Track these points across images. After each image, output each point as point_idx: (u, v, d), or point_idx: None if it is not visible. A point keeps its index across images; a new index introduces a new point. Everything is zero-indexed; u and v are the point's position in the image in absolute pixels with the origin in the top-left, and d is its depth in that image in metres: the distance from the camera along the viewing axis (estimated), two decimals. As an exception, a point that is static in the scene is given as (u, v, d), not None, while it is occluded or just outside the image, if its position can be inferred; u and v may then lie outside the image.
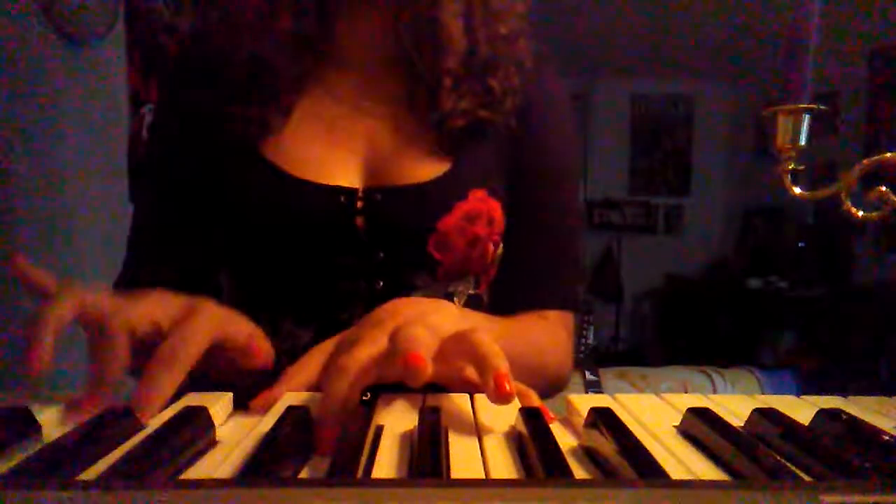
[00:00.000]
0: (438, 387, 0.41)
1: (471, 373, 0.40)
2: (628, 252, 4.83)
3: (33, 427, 0.33)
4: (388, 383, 0.37)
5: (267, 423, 0.34)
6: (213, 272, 0.66)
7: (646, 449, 0.28)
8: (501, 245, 0.67)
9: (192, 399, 0.37)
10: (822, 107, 0.53)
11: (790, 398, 0.41)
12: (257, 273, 0.63)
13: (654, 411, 0.38)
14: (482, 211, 0.62)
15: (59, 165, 1.51)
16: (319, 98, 0.64)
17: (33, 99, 1.44)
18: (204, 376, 0.41)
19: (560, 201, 0.68)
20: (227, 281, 0.65)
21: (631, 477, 0.25)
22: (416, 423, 0.32)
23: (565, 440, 0.34)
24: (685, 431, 0.34)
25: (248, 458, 0.28)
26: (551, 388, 0.64)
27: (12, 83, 1.38)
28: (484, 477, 0.28)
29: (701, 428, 0.32)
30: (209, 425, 0.33)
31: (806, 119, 0.53)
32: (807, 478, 0.27)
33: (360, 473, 0.26)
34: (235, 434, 0.34)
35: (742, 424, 0.35)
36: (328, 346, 0.45)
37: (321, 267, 0.61)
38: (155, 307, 0.41)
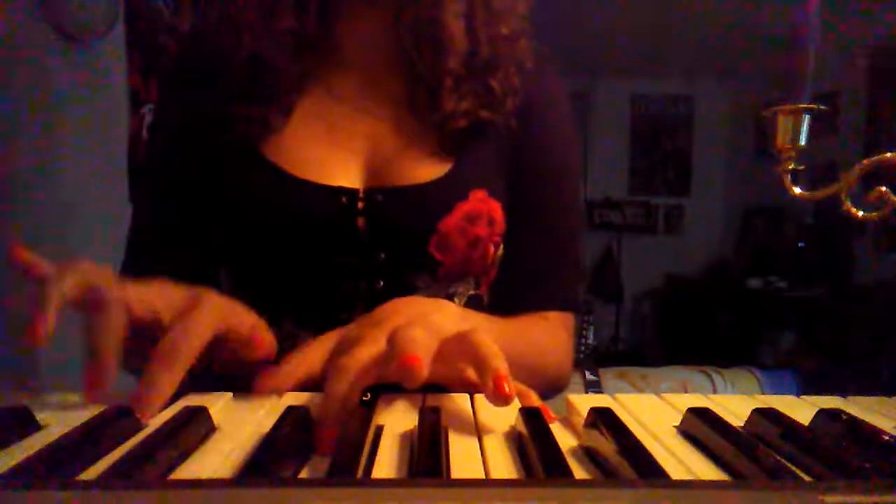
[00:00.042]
0: (438, 387, 0.41)
1: (471, 373, 0.40)
2: (628, 252, 4.83)
3: (33, 427, 0.33)
4: (389, 383, 0.37)
5: (267, 423, 0.34)
6: (213, 272, 0.66)
7: (646, 449, 0.28)
8: (502, 246, 0.67)
9: (192, 399, 0.37)
10: (822, 107, 0.53)
11: (790, 398, 0.41)
12: (257, 273, 0.63)
13: (654, 411, 0.38)
14: (483, 211, 0.62)
15: (59, 165, 1.51)
16: (320, 98, 0.64)
17: (33, 99, 1.44)
18: (207, 369, 0.41)
19: (560, 202, 0.68)
20: (226, 281, 0.65)
21: (631, 477, 0.25)
22: (416, 423, 0.32)
23: (565, 440, 0.34)
24: (685, 431, 0.34)
25: (248, 458, 0.28)
26: (551, 388, 0.64)
27: (12, 83, 1.38)
28: (484, 477, 0.28)
29: (701, 428, 0.32)
30: (209, 425, 0.34)
31: (806, 119, 0.53)
32: (807, 478, 0.27)
33: (360, 473, 0.26)
34: (235, 434, 0.34)
35: (742, 424, 0.35)
36: (331, 337, 0.45)
37: (322, 267, 0.61)
38: (156, 296, 0.41)
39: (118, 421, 0.32)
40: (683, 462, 0.30)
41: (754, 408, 0.35)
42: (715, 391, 1.89)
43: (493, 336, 0.37)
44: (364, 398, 0.37)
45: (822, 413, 0.35)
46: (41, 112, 1.46)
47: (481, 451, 0.30)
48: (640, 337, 4.99)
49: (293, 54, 0.62)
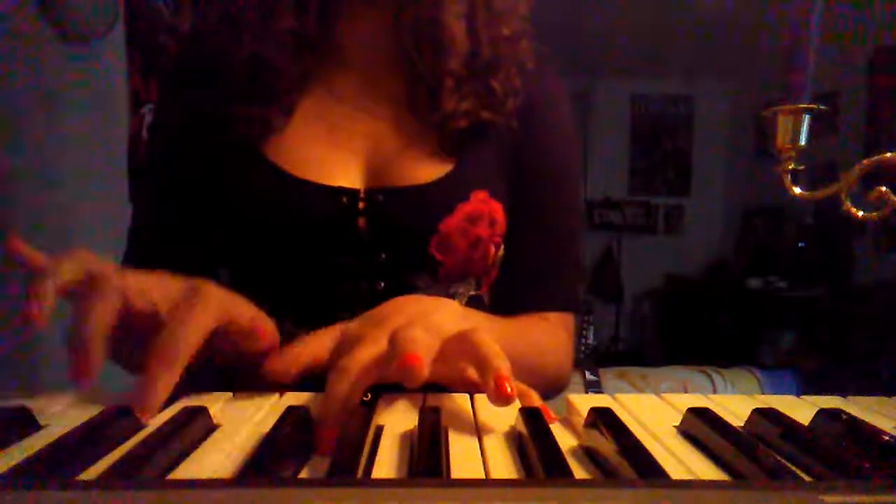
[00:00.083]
0: (439, 387, 0.41)
1: (472, 373, 0.40)
2: (628, 252, 4.83)
3: (33, 427, 0.33)
4: (389, 383, 0.37)
5: (267, 423, 0.34)
6: (213, 272, 0.66)
7: (646, 449, 0.28)
8: (502, 246, 0.67)
9: (192, 399, 0.37)
10: (822, 107, 0.53)
11: (790, 398, 0.41)
12: (258, 273, 0.63)
13: (654, 411, 0.38)
14: (484, 212, 0.62)
15: (59, 165, 1.51)
16: (321, 98, 0.64)
17: (33, 99, 1.44)
18: (207, 363, 0.41)
19: (561, 202, 0.68)
20: (226, 281, 0.65)
21: (631, 477, 0.25)
22: (416, 423, 0.32)
23: (565, 440, 0.34)
24: (685, 431, 0.34)
25: (248, 458, 0.28)
26: (551, 388, 0.64)
27: (12, 83, 1.38)
28: (484, 477, 0.28)
29: (701, 428, 0.32)
30: (209, 425, 0.34)
31: (806, 119, 0.53)
32: (807, 478, 0.27)
33: (360, 473, 0.26)
34: (235, 434, 0.34)
35: (742, 424, 0.35)
36: (334, 330, 0.46)
37: (322, 268, 0.61)
38: (153, 287, 0.40)
39: (118, 421, 0.32)
40: (683, 462, 0.30)
41: (754, 408, 0.35)
42: (715, 391, 1.89)
43: (493, 336, 0.37)
44: (364, 398, 0.37)
45: (822, 413, 0.35)
46: (41, 112, 1.46)
47: (481, 451, 0.30)
48: (640, 337, 4.99)
49: (293, 54, 0.62)
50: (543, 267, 0.67)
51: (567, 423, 0.37)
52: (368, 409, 0.34)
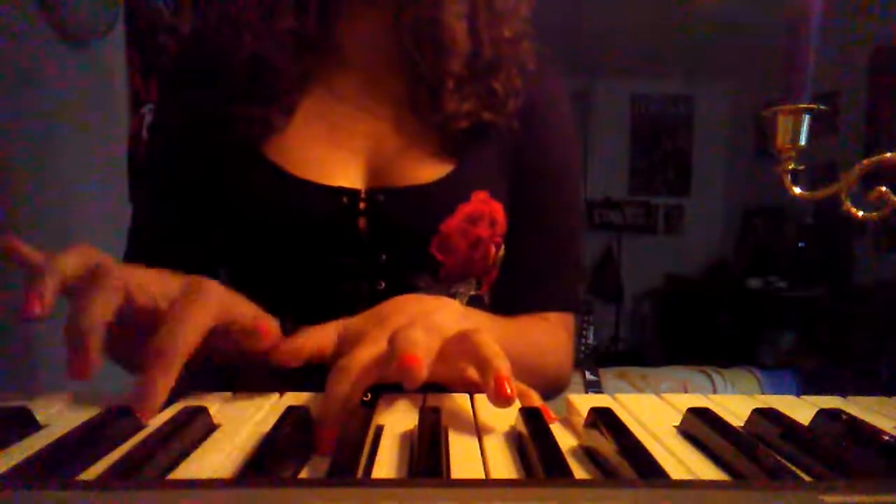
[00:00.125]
0: (439, 387, 0.41)
1: (472, 373, 0.40)
2: (628, 252, 4.83)
3: (33, 427, 0.33)
4: (389, 383, 0.37)
5: (267, 423, 0.34)
6: (213, 272, 0.66)
7: (646, 449, 0.28)
8: (503, 246, 0.67)
9: (192, 399, 0.37)
10: (822, 107, 0.53)
11: (790, 398, 0.41)
12: (258, 273, 0.63)
13: (654, 411, 0.38)
14: (485, 212, 0.62)
15: (59, 165, 1.51)
16: (322, 98, 0.64)
17: (33, 99, 1.44)
18: (206, 361, 0.41)
19: (561, 202, 0.68)
20: (227, 281, 0.65)
21: (631, 477, 0.25)
22: (416, 423, 0.32)
23: (565, 440, 0.34)
24: (685, 431, 0.34)
25: (248, 458, 0.28)
26: (552, 388, 0.64)
27: (12, 83, 1.38)
28: (484, 477, 0.28)
29: (701, 428, 0.32)
30: (209, 425, 0.34)
31: (806, 119, 0.53)
32: (807, 478, 0.27)
33: (360, 473, 0.26)
34: (235, 434, 0.34)
35: (742, 424, 0.35)
36: (340, 324, 0.46)
37: (323, 268, 0.61)
38: (153, 283, 0.40)
39: (118, 421, 0.32)
40: (683, 462, 0.30)
41: (754, 408, 0.35)
42: (715, 391, 1.89)
43: (493, 336, 0.37)
44: (364, 398, 0.37)
45: (822, 413, 0.35)
46: (41, 112, 1.46)
47: (481, 451, 0.30)
48: (640, 337, 4.99)
49: (293, 54, 0.62)
50: (544, 267, 0.67)
51: (567, 423, 0.37)
52: (368, 409, 0.34)
